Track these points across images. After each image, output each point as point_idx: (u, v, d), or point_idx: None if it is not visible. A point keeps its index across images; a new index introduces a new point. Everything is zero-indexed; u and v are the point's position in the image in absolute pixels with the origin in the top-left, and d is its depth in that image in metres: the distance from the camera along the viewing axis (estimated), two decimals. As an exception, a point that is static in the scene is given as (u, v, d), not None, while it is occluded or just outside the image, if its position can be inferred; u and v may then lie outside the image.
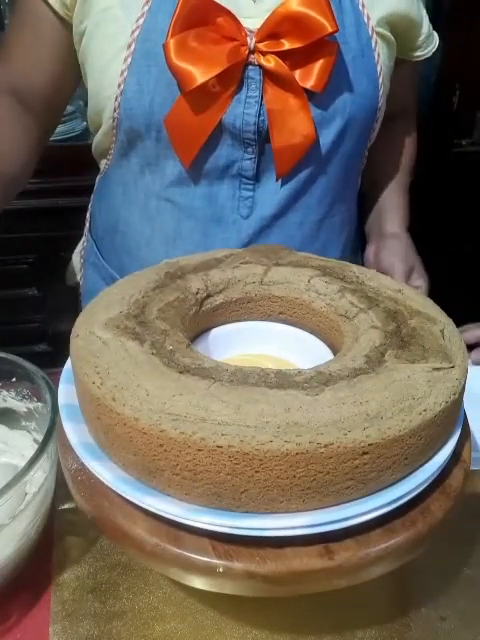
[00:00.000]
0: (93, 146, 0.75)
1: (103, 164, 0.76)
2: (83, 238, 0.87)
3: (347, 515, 0.35)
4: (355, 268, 0.51)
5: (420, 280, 0.76)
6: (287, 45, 0.60)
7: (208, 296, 0.48)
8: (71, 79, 0.71)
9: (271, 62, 0.60)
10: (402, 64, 0.73)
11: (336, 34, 0.61)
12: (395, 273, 0.75)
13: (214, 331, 0.50)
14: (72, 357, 0.41)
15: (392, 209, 0.82)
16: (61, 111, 0.78)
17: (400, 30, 0.68)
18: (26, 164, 0.70)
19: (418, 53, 0.74)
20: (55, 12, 0.65)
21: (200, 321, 0.48)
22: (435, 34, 0.75)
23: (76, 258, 0.89)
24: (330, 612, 0.45)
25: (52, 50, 0.68)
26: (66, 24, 0.66)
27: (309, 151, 0.65)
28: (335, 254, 0.76)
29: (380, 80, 0.66)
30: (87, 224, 0.86)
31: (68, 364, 0.44)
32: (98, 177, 0.80)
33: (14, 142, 0.68)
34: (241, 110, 0.62)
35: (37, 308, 1.42)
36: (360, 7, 0.64)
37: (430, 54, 0.76)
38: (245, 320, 0.51)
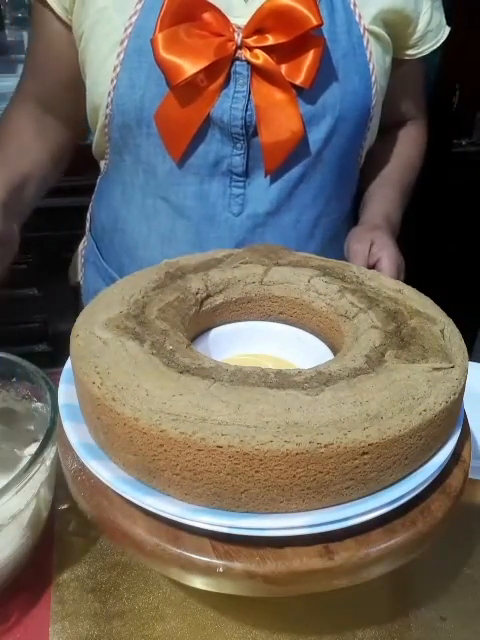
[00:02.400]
0: (93, 146, 0.75)
1: (102, 164, 0.76)
2: (84, 237, 0.87)
3: (347, 515, 0.35)
4: (355, 268, 0.51)
5: (382, 251, 0.67)
6: (272, 40, 0.60)
7: (208, 296, 0.48)
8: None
9: (259, 58, 0.61)
10: (400, 65, 0.72)
11: (325, 31, 0.61)
12: (351, 253, 0.68)
13: (214, 331, 0.50)
14: (72, 357, 0.41)
15: (374, 199, 0.79)
16: (85, 110, 0.78)
17: (395, 27, 0.68)
18: (53, 163, 0.73)
19: (411, 52, 0.72)
20: (58, 17, 0.66)
21: (200, 321, 0.48)
22: (444, 30, 0.73)
23: (78, 257, 0.89)
24: (330, 612, 0.45)
25: (63, 57, 0.69)
26: (70, 29, 0.67)
27: (298, 148, 0.65)
28: (334, 254, 0.76)
29: (373, 78, 0.66)
30: (87, 224, 0.86)
31: (68, 364, 0.44)
32: (99, 178, 0.80)
33: (36, 145, 0.71)
34: (228, 105, 0.63)
35: (37, 308, 1.42)
36: (351, 6, 0.64)
37: (426, 53, 0.73)
38: (245, 320, 0.51)
